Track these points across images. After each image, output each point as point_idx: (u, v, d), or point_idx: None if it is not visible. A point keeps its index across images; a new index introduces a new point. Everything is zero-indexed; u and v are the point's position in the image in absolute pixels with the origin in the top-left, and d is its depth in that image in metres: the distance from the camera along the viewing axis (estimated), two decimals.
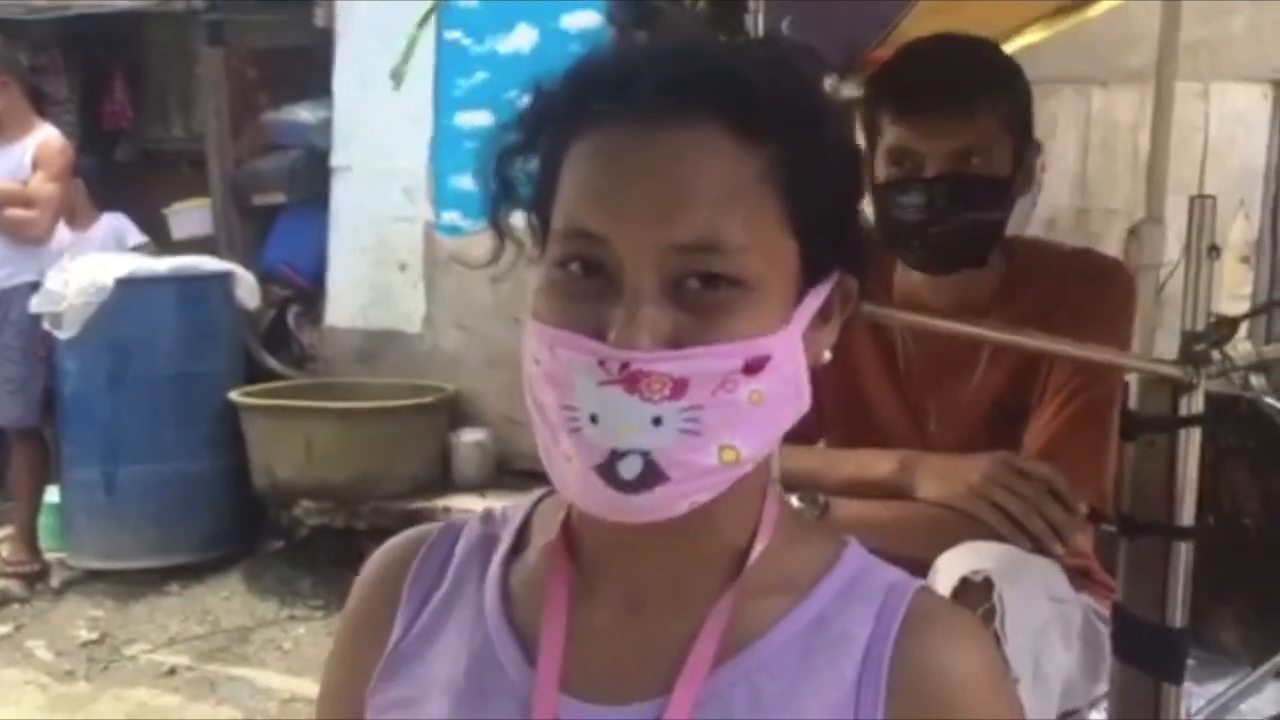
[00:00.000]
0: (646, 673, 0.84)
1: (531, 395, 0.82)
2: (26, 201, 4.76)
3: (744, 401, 0.78)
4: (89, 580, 4.84)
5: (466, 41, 5.16)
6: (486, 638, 0.88)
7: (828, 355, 0.85)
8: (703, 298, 0.77)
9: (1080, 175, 4.12)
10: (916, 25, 2.02)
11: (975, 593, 1.48)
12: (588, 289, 0.79)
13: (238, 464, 4.94)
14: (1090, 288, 1.75)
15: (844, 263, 0.85)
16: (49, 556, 4.93)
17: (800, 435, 1.76)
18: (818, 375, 1.84)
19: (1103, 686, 1.69)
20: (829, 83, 2.19)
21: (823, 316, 0.84)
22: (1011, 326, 1.71)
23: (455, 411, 5.03)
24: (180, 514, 4.88)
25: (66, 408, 4.89)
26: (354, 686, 0.92)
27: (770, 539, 0.86)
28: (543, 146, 0.83)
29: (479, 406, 5.09)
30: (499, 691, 0.86)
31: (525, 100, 0.85)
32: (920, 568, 1.54)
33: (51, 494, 4.98)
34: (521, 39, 5.02)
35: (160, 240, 5.66)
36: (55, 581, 4.86)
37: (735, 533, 0.86)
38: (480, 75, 5.12)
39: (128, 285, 4.75)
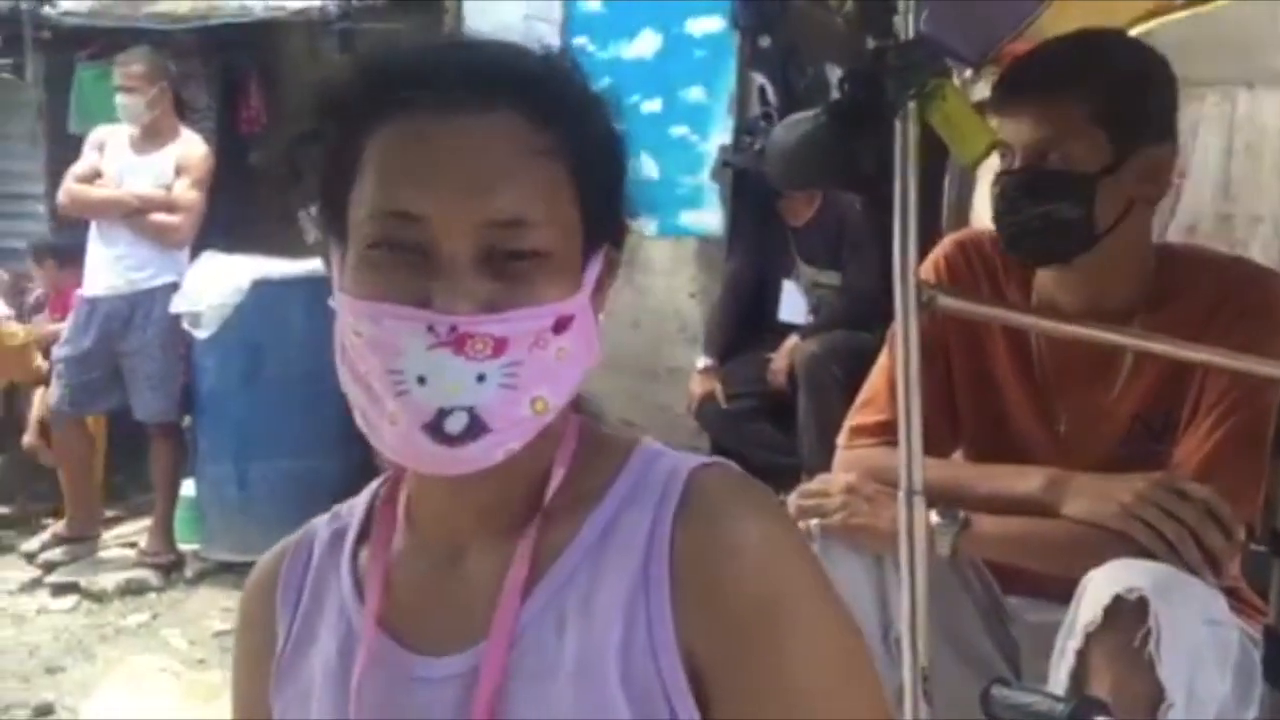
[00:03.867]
0: (469, 620, 0.90)
1: (349, 367, 0.88)
2: (170, 207, 4.94)
3: (553, 358, 0.88)
4: (221, 571, 4.98)
5: (591, 47, 5.20)
6: (348, 623, 0.95)
7: (601, 318, 0.93)
8: (511, 267, 0.86)
9: (1224, 180, 3.97)
10: (1055, 19, 1.97)
11: (1130, 612, 1.43)
12: (403, 264, 0.86)
13: (362, 461, 5.01)
14: (1249, 298, 1.68)
15: (612, 236, 0.94)
16: (184, 548, 5.09)
17: (936, 443, 1.73)
18: (954, 383, 1.80)
19: (1253, 712, 1.62)
20: (960, 78, 2.16)
21: (598, 285, 0.93)
22: (1158, 334, 1.65)
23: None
24: (308, 509, 4.80)
25: (203, 404, 5.05)
26: (257, 700, 1.00)
27: (569, 466, 0.93)
28: (333, 137, 0.90)
29: (598, 410, 5.10)
30: None
31: (316, 92, 0.92)
32: (1065, 585, 1.50)
33: (188, 487, 5.15)
34: (646, 44, 5.04)
35: (294, 243, 5.80)
36: (190, 572, 5.01)
37: (535, 469, 0.92)
38: (604, 80, 5.13)
39: (262, 286, 4.89)
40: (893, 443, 1.62)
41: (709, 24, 4.90)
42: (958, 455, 1.86)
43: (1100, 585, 1.47)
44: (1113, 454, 1.68)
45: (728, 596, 0.86)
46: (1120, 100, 1.66)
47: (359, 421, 0.90)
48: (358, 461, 5.03)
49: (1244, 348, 1.60)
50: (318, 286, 4.13)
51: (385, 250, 0.87)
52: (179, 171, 4.98)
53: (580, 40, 5.23)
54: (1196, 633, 1.46)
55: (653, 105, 4.99)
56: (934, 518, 1.58)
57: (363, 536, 1.00)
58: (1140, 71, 1.69)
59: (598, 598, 0.88)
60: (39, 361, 5.65)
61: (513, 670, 0.88)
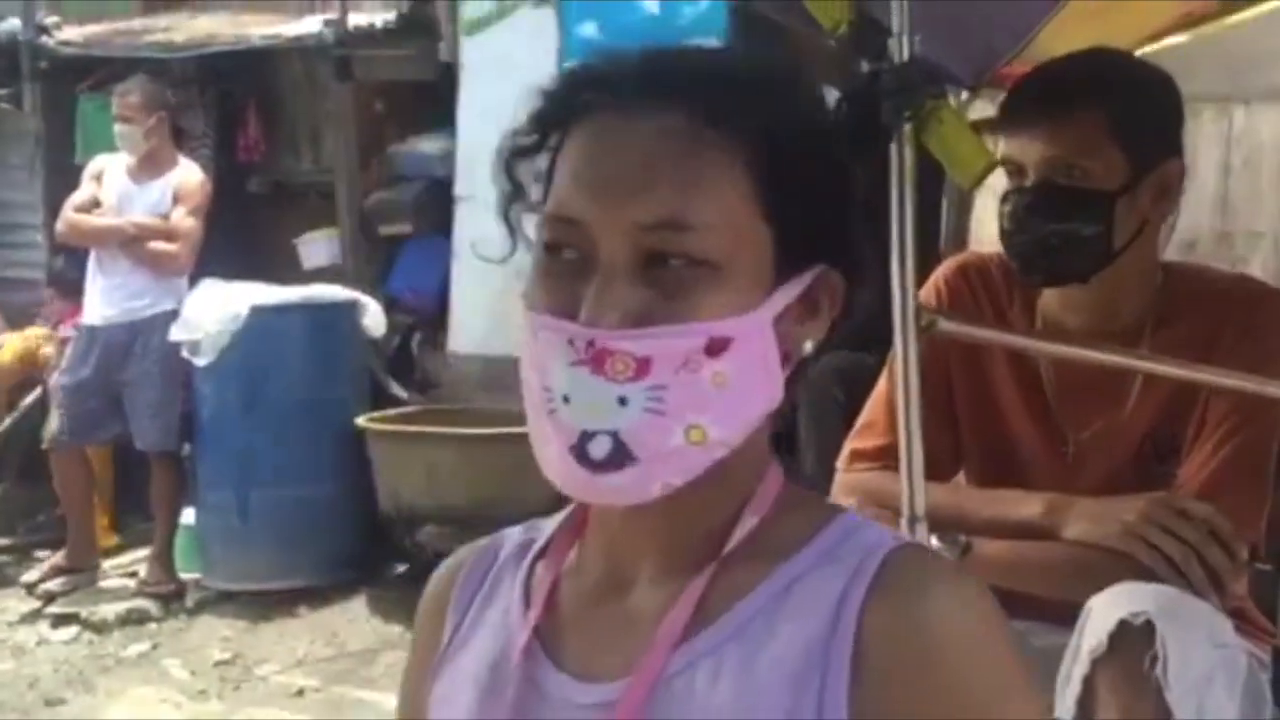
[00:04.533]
0: (625, 651, 0.85)
1: (524, 379, 0.85)
2: (168, 235, 4.94)
3: (707, 382, 0.79)
4: (222, 601, 4.96)
5: None
6: (509, 627, 0.92)
7: (809, 347, 0.85)
8: (670, 275, 0.80)
9: (1222, 197, 3.97)
10: (1051, 39, 1.97)
11: (1136, 637, 1.41)
12: (567, 269, 0.82)
13: (364, 489, 5.03)
14: (1255, 316, 1.67)
15: (830, 258, 0.85)
16: (185, 577, 5.07)
17: (937, 467, 1.72)
18: (956, 407, 1.79)
19: None
20: (956, 99, 2.15)
21: (808, 310, 0.85)
22: (1165, 354, 1.64)
23: None
24: (308, 537, 4.98)
25: (203, 432, 5.05)
26: (414, 697, 0.98)
27: (763, 515, 0.86)
28: (547, 144, 0.87)
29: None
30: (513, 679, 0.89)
31: (530, 104, 0.89)
32: (1069, 609, 1.48)
33: (188, 516, 5.13)
34: None
35: (291, 269, 5.81)
36: (190, 602, 4.99)
37: (722, 513, 0.86)
38: None
39: (260, 313, 4.89)
40: (892, 467, 1.61)
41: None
42: (960, 478, 1.85)
43: (1105, 610, 1.45)
44: (1121, 475, 1.67)
45: (925, 690, 0.78)
46: (1136, 117, 1.66)
47: (530, 438, 0.86)
48: (358, 488, 5.04)
49: (1247, 366, 1.59)
50: (316, 313, 4.17)
51: (553, 258, 0.84)
52: (177, 200, 4.99)
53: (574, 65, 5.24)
54: (1205, 656, 1.45)
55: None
56: (935, 542, 1.57)
57: (546, 550, 0.96)
58: (1154, 88, 1.69)
59: (765, 657, 0.81)
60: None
61: (654, 712, 0.82)
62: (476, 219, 5.58)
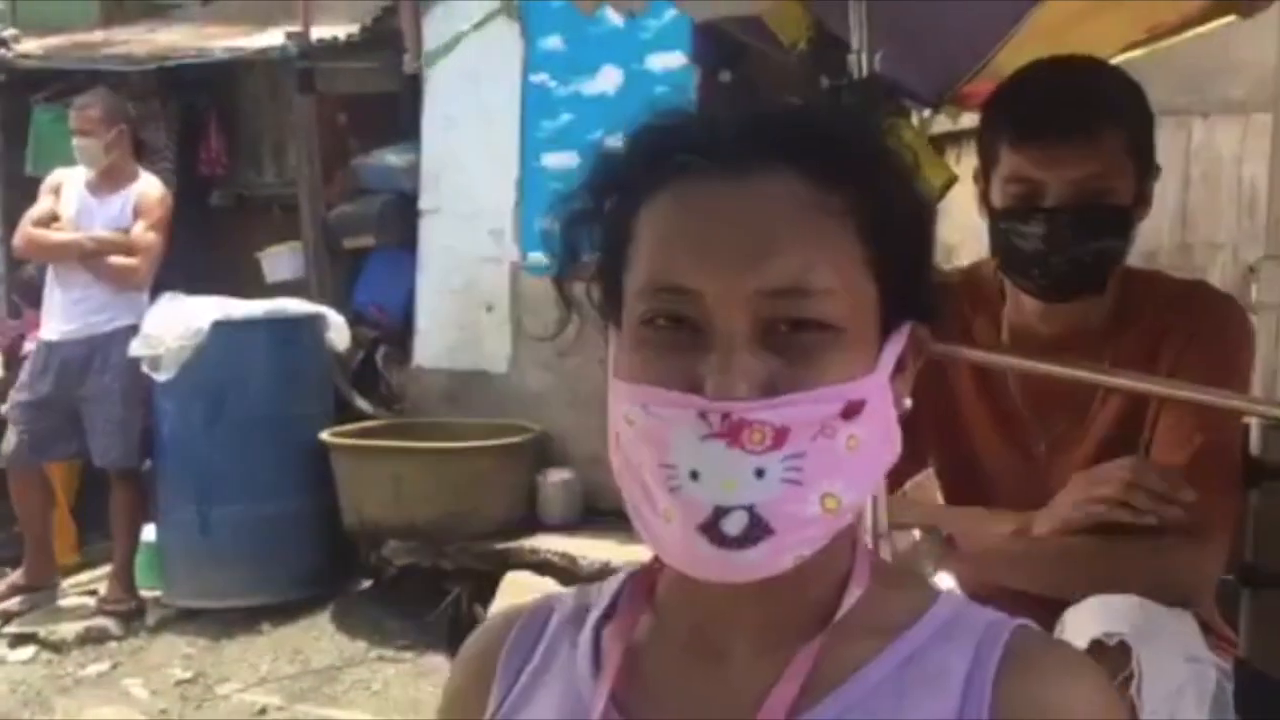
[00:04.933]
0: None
1: (623, 457, 0.81)
2: (128, 249, 4.88)
3: (843, 448, 0.78)
4: (183, 619, 4.91)
5: (552, 84, 5.21)
6: (576, 693, 0.87)
7: (908, 403, 0.84)
8: (793, 342, 0.77)
9: (1181, 209, 4.01)
10: (1011, 57, 1.98)
11: (1110, 656, 1.42)
12: (676, 343, 0.78)
13: (328, 504, 4.99)
14: (1204, 320, 1.69)
15: (918, 311, 0.85)
16: (145, 595, 5.01)
17: (897, 476, 1.73)
18: (920, 427, 1.79)
19: None
20: (918, 116, 2.16)
21: (898, 366, 0.83)
22: (1122, 356, 1.66)
23: (542, 451, 5.04)
24: (272, 553, 4.93)
25: (164, 448, 4.99)
26: None
27: (865, 587, 0.84)
28: (612, 208, 0.83)
29: (566, 446, 5.09)
30: None
31: (590, 167, 0.86)
32: (1046, 612, 1.48)
33: (149, 533, 5.07)
34: (606, 80, 5.06)
35: (254, 283, 5.77)
36: (151, 620, 4.93)
37: (825, 585, 0.84)
38: (565, 117, 5.16)
39: (222, 328, 4.84)
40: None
41: (670, 60, 4.92)
42: (938, 496, 1.85)
43: (1077, 627, 1.46)
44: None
45: None
46: (1143, 131, 1.68)
47: (631, 517, 0.82)
48: (322, 503, 5.00)
49: (1198, 369, 1.60)
50: (279, 327, 4.13)
51: (657, 330, 0.79)
52: (137, 214, 4.93)
53: (540, 77, 5.24)
54: (1177, 670, 1.46)
55: (615, 141, 4.99)
56: (916, 534, 1.58)
57: (608, 616, 0.91)
58: (1141, 98, 1.71)
59: None
60: None
61: None
62: (441, 232, 5.57)
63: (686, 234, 0.79)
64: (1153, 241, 3.81)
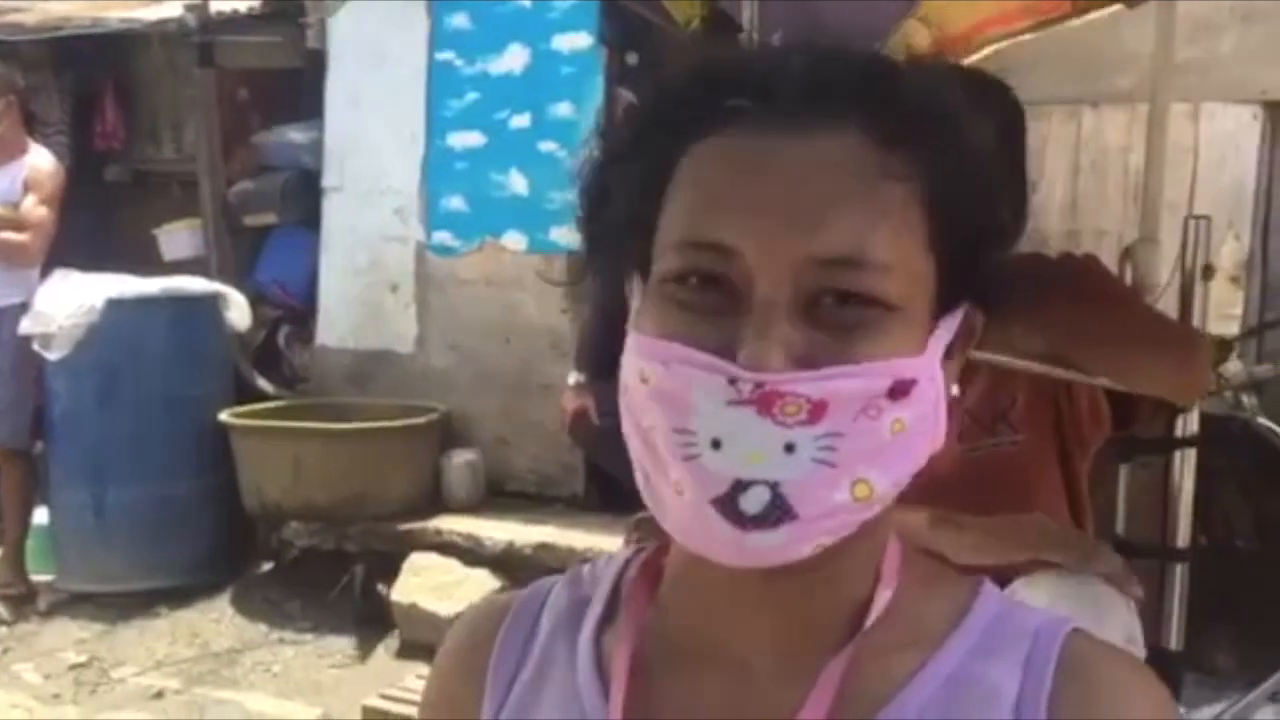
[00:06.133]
0: None
1: (633, 420, 0.73)
2: (18, 225, 4.75)
3: (886, 431, 0.70)
4: (77, 603, 4.81)
5: (458, 62, 5.17)
6: (582, 707, 0.79)
7: (955, 390, 0.78)
8: (840, 316, 0.70)
9: (1070, 197, 4.13)
10: (902, 42, 2.02)
11: None
12: (709, 303, 0.71)
13: (227, 485, 4.92)
14: (1062, 275, 1.72)
15: (975, 295, 0.77)
16: (36, 579, 4.89)
17: None
18: None
19: None
20: None
21: (947, 352, 0.76)
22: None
23: (446, 432, 5.01)
24: (169, 536, 4.85)
25: (55, 429, 4.87)
26: None
27: (895, 588, 0.77)
28: (653, 148, 0.75)
29: (470, 427, 5.07)
30: None
31: (639, 101, 0.77)
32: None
33: (40, 516, 4.95)
34: (513, 60, 5.03)
35: (151, 261, 5.65)
36: (43, 605, 4.82)
37: (857, 583, 0.76)
38: (472, 96, 5.12)
39: (118, 306, 4.73)
40: None
41: (576, 40, 4.91)
42: None
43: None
44: (953, 451, 1.72)
45: None
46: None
47: (639, 482, 0.74)
48: (220, 485, 4.92)
49: (1062, 325, 1.64)
50: (176, 306, 4.05)
51: (690, 286, 0.71)
52: (27, 188, 4.80)
53: (446, 55, 5.20)
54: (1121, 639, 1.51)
55: (521, 120, 4.98)
56: None
57: (609, 615, 0.82)
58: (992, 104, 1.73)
59: None
60: None
61: None
62: (345, 211, 5.51)
63: (733, 187, 0.71)
64: (1044, 229, 3.92)
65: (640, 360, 0.72)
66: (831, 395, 0.68)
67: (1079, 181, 4.11)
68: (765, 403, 0.68)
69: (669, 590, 0.80)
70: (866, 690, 0.74)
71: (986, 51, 2.28)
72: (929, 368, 0.73)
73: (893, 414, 0.70)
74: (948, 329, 0.75)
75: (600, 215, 0.78)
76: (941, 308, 0.74)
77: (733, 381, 0.68)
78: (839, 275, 0.70)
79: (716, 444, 0.68)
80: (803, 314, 0.70)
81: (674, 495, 0.71)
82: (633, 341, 0.74)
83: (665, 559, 0.81)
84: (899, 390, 0.70)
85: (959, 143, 0.74)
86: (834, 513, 0.70)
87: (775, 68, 0.73)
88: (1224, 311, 4.08)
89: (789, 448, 0.68)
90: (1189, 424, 1.59)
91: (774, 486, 0.68)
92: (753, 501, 0.68)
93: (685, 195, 0.73)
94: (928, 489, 1.73)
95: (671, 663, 0.78)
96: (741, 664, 0.77)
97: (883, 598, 0.75)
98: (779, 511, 0.69)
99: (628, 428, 0.74)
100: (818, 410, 0.68)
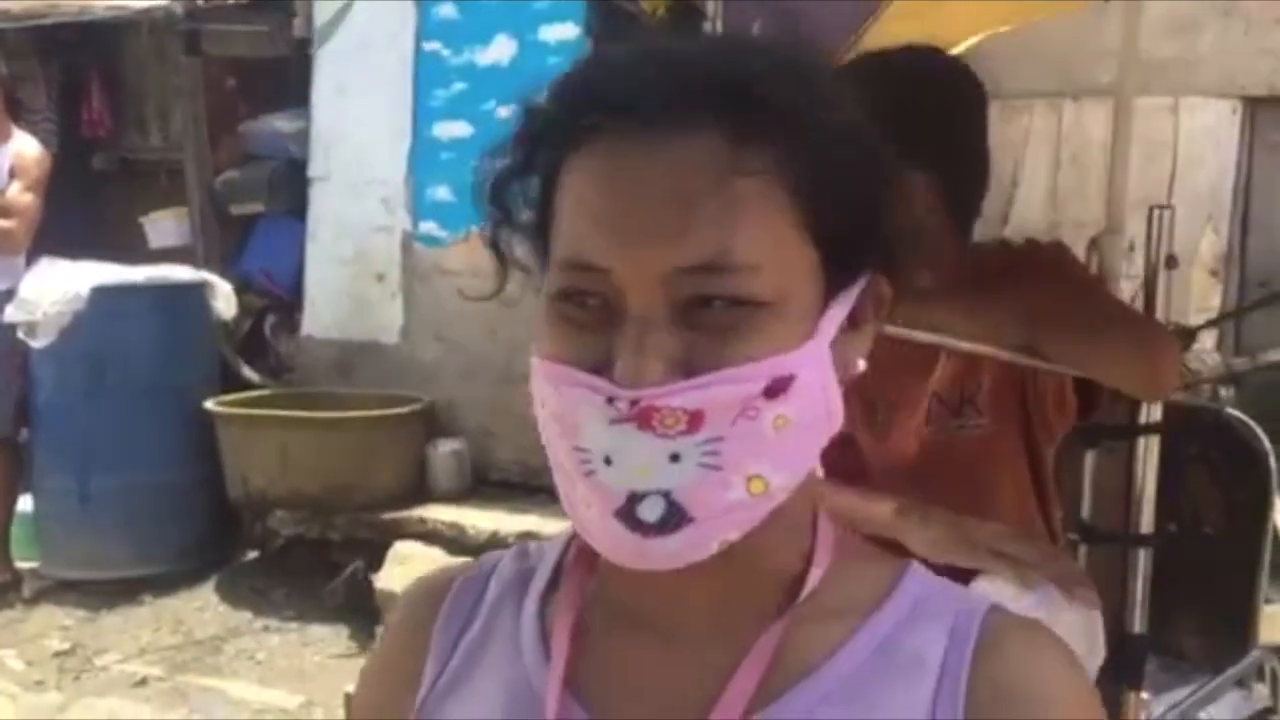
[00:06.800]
0: (684, 707, 0.77)
1: (545, 438, 0.76)
2: (3, 212, 4.73)
3: (768, 428, 0.71)
4: (61, 590, 4.81)
5: (445, 52, 5.18)
6: (524, 678, 0.81)
7: (861, 365, 0.79)
8: (714, 319, 0.71)
9: (1051, 190, 4.15)
10: (879, 32, 2.03)
11: None
12: (591, 320, 0.73)
13: (212, 474, 4.93)
14: (1030, 266, 1.73)
15: (875, 263, 0.77)
16: (21, 566, 4.89)
17: None
18: None
19: None
20: None
21: (851, 323, 0.77)
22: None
23: (432, 422, 5.03)
24: (154, 524, 4.86)
25: (40, 417, 4.87)
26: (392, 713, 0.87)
27: (827, 566, 0.79)
28: (539, 166, 0.77)
29: (456, 417, 5.09)
30: None
31: (516, 118, 0.79)
32: (957, 574, 1.52)
33: (24, 503, 4.95)
34: (500, 50, 5.04)
35: (137, 249, 5.65)
36: (27, 591, 4.82)
37: (784, 563, 0.79)
38: (458, 86, 5.13)
39: (103, 294, 4.73)
40: None
41: (563, 31, 4.92)
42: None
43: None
44: (920, 435, 1.74)
45: None
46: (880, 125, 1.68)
47: (562, 502, 0.76)
48: (206, 473, 4.93)
49: (1028, 312, 1.65)
50: (161, 294, 4.05)
51: (574, 306, 0.73)
52: (13, 174, 4.78)
53: (433, 45, 5.21)
54: (1081, 654, 1.53)
55: (508, 111, 4.98)
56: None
57: (553, 584, 0.85)
58: (908, 98, 1.69)
59: None
60: None
61: None
62: (331, 200, 5.51)
63: (598, 204, 0.72)
64: (1026, 221, 3.94)
65: (538, 384, 0.75)
66: (707, 403, 0.70)
67: (1060, 174, 4.13)
68: (644, 418, 0.70)
69: (606, 565, 0.81)
70: (797, 659, 0.77)
71: (968, 44, 2.30)
72: (813, 356, 0.73)
73: (773, 411, 0.71)
74: (843, 306, 0.76)
75: (505, 229, 0.80)
76: (835, 287, 0.75)
77: (611, 400, 0.70)
78: (705, 281, 0.70)
79: (609, 460, 0.71)
80: (679, 320, 0.71)
81: (584, 508, 0.74)
82: (533, 365, 0.76)
83: None
84: (776, 388, 0.71)
85: (819, 127, 0.74)
86: (730, 511, 0.72)
87: (629, 78, 0.73)
88: (1202, 304, 4.12)
89: (674, 457, 0.70)
90: (1152, 412, 1.61)
91: (667, 495, 0.71)
92: (649, 510, 0.71)
93: (563, 213, 0.74)
94: (894, 471, 1.75)
95: (610, 629, 0.81)
96: (677, 631, 0.79)
97: (814, 577, 0.78)
98: (676, 517, 0.71)
99: (546, 448, 0.76)
100: (695, 420, 0.70)
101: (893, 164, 0.78)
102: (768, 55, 0.75)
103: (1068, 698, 0.77)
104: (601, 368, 0.71)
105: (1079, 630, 1.55)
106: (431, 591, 0.88)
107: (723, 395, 0.70)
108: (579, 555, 0.84)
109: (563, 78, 0.77)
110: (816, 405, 0.74)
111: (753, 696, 0.75)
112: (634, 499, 0.71)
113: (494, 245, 0.80)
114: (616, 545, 0.73)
